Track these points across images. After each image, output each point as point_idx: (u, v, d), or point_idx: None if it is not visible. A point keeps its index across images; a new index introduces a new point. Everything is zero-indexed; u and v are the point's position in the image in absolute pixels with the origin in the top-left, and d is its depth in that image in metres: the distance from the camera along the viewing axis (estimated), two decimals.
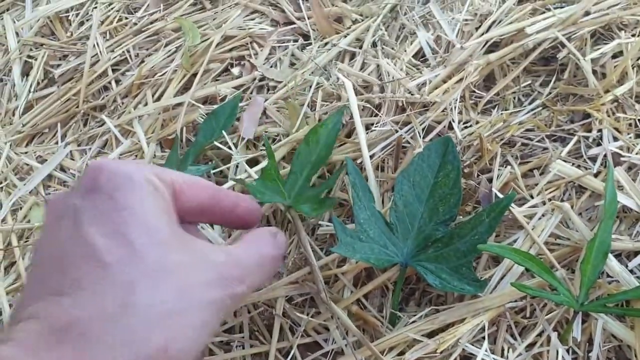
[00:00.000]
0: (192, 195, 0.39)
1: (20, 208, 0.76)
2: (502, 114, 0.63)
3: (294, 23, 0.85)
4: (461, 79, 0.63)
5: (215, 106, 0.76)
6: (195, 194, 0.40)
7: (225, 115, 0.73)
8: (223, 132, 0.71)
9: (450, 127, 0.63)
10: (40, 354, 0.27)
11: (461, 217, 0.59)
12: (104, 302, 0.29)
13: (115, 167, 0.34)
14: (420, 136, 0.61)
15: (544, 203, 0.57)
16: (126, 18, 0.87)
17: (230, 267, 0.37)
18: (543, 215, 0.57)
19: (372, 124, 0.65)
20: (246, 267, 0.38)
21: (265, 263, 0.41)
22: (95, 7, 0.87)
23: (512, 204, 0.57)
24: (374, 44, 0.75)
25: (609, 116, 0.61)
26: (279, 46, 0.83)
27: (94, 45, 0.82)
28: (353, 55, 0.77)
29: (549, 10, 0.67)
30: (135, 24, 0.85)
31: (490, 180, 0.60)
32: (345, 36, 0.78)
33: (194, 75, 0.81)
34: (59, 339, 0.27)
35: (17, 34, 0.89)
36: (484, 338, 0.53)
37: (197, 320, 0.33)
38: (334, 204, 0.64)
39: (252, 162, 0.71)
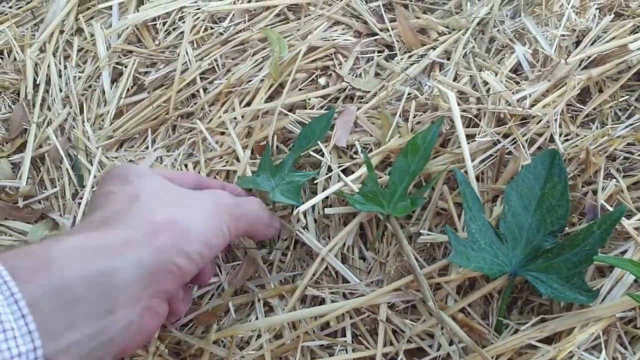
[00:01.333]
0: (180, 181, 0.53)
1: None
2: (604, 128, 0.63)
3: (376, 34, 0.86)
4: (562, 93, 0.64)
5: (302, 113, 0.78)
6: (182, 179, 0.54)
7: (320, 126, 0.75)
8: (318, 142, 0.72)
9: (551, 140, 0.64)
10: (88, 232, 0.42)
11: (567, 228, 0.60)
12: (115, 206, 0.44)
13: (129, 167, 0.50)
14: (524, 148, 0.63)
15: None
16: (212, 28, 0.89)
17: (223, 193, 0.55)
18: None
19: (471, 135, 0.66)
20: (244, 199, 0.59)
21: (263, 207, 0.62)
22: (182, 16, 0.89)
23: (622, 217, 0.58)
24: (465, 56, 0.76)
25: None
26: (362, 57, 0.84)
27: (184, 54, 0.85)
28: (441, 67, 0.79)
29: None
30: (221, 33, 0.88)
31: (595, 193, 0.61)
32: (434, 48, 0.79)
33: (280, 84, 0.83)
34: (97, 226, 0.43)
35: (106, 41, 0.91)
36: (594, 347, 0.54)
37: (197, 203, 0.48)
38: (424, 202, 0.66)
39: (346, 171, 0.72)
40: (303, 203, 0.67)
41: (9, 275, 0.35)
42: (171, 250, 0.43)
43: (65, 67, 0.91)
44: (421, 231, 0.65)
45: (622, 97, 0.68)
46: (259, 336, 0.65)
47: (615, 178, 0.61)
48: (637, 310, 0.55)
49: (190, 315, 0.68)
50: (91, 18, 0.95)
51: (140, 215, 0.43)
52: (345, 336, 0.63)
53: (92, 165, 0.81)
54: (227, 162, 0.77)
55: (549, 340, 0.56)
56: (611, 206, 0.60)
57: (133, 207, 0.43)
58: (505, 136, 0.66)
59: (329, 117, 0.75)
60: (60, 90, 0.89)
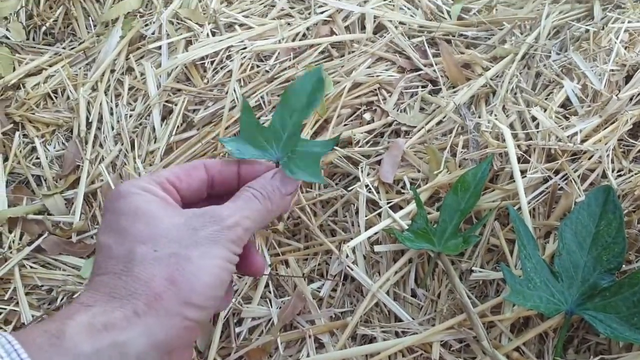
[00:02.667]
0: (189, 182, 0.50)
1: None
2: None
3: (420, 70, 0.87)
4: (614, 129, 0.64)
5: (349, 149, 0.79)
6: (192, 179, 0.50)
7: (310, 85, 0.57)
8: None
9: (604, 176, 0.64)
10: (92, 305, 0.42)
11: (624, 266, 0.59)
12: (115, 269, 0.43)
13: (117, 188, 0.47)
14: (576, 184, 0.62)
15: None
16: (258, 66, 0.91)
17: (216, 210, 0.46)
18: None
19: (522, 171, 0.66)
20: (233, 207, 0.47)
21: (255, 196, 0.49)
22: (230, 55, 0.91)
23: None
24: (511, 91, 0.76)
25: None
26: (406, 92, 0.85)
27: (232, 92, 0.87)
28: (487, 102, 0.79)
29: None
30: (267, 71, 0.90)
31: None
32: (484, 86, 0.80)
33: (325, 120, 0.84)
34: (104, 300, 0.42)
35: (156, 79, 0.94)
36: None
37: (194, 253, 0.43)
38: (476, 240, 0.65)
39: (394, 207, 0.73)
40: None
41: (25, 352, 0.37)
42: (179, 309, 0.43)
43: (116, 105, 0.94)
44: (473, 268, 0.65)
45: None
46: None
47: None
48: None
49: (240, 351, 0.68)
50: (141, 57, 0.98)
51: (140, 284, 0.42)
52: None
53: None
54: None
55: None
56: None
57: (131, 274, 0.43)
58: (556, 172, 0.65)
59: (319, 74, 0.57)
60: (112, 128, 0.92)
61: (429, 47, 0.89)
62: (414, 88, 0.86)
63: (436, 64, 0.87)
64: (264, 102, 0.88)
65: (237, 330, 0.70)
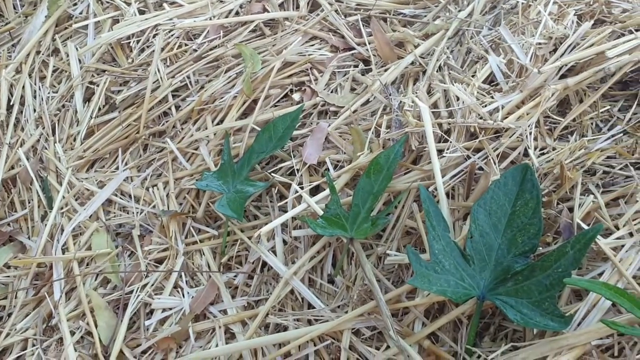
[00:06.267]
0: None
1: (81, 234, 0.76)
2: (580, 140, 0.59)
3: (354, 49, 0.83)
4: (537, 104, 0.60)
5: None
6: None
7: (284, 125, 0.72)
8: (292, 156, 0.70)
9: (526, 154, 0.61)
10: None
11: (540, 248, 0.56)
12: None
13: None
14: (495, 163, 0.59)
15: (631, 235, 0.54)
16: (186, 45, 0.87)
17: None
18: (631, 247, 0.53)
19: (441, 151, 0.63)
20: None
21: None
22: (157, 34, 0.87)
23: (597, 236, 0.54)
24: (440, 69, 0.73)
25: None
26: (339, 71, 0.82)
27: (155, 72, 0.83)
28: (416, 81, 0.75)
29: (630, 32, 0.64)
30: (195, 50, 0.86)
31: (571, 210, 0.57)
32: (412, 63, 0.76)
33: (254, 101, 0.80)
34: None
35: (79, 60, 0.90)
36: None
37: None
38: (387, 223, 0.62)
39: (315, 188, 0.69)
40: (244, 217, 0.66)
41: None
42: None
43: (40, 88, 0.89)
44: (388, 252, 0.61)
45: (604, 107, 0.64)
46: None
47: (593, 194, 0.57)
48: (615, 337, 0.51)
49: (149, 341, 0.65)
50: (68, 38, 0.94)
51: None
52: None
53: (61, 186, 0.79)
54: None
55: None
56: (589, 224, 0.56)
57: None
58: (478, 151, 0.62)
59: (295, 116, 0.72)
60: (34, 111, 0.87)
61: (364, 25, 0.86)
62: (346, 67, 0.82)
63: (370, 43, 0.83)
64: (190, 82, 0.84)
65: (148, 322, 0.66)
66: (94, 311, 0.68)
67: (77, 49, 0.90)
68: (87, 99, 0.87)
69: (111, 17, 0.92)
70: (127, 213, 0.77)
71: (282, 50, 0.84)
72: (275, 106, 0.80)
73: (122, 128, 0.82)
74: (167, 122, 0.81)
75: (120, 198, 0.78)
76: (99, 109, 0.84)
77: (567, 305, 0.54)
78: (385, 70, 0.78)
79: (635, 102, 0.63)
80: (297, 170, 0.71)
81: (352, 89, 0.79)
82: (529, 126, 0.60)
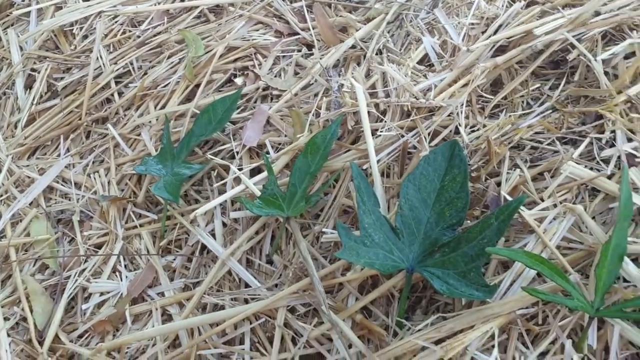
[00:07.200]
0: None
1: (21, 221, 0.74)
2: (510, 116, 0.61)
3: (298, 34, 0.84)
4: (467, 83, 0.61)
5: None
6: None
7: (224, 108, 0.72)
8: (231, 138, 0.70)
9: (457, 132, 0.62)
10: None
11: (469, 221, 0.57)
12: None
13: None
14: (426, 141, 0.60)
15: (555, 206, 0.55)
16: (130, 31, 0.86)
17: None
18: (555, 219, 0.54)
19: (377, 130, 0.64)
20: None
21: None
22: (100, 20, 0.86)
23: (522, 207, 0.55)
24: (380, 52, 0.74)
25: (622, 117, 0.58)
26: (283, 56, 0.82)
27: (97, 58, 0.82)
28: (358, 64, 0.76)
29: (558, 11, 0.65)
30: (138, 36, 0.85)
31: (498, 184, 0.58)
32: (354, 47, 0.77)
33: (197, 86, 0.80)
34: None
35: (20, 47, 0.88)
36: (493, 346, 0.51)
37: None
38: (318, 199, 0.63)
39: (255, 170, 0.69)
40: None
41: None
42: None
43: None
44: (324, 230, 0.62)
45: (535, 86, 0.65)
46: (155, 346, 0.61)
47: (520, 169, 0.58)
48: (540, 306, 0.52)
49: (86, 325, 0.64)
50: (10, 25, 0.93)
51: None
52: (243, 344, 0.60)
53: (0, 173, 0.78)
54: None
55: (448, 339, 0.52)
56: (516, 197, 0.57)
57: None
58: (411, 129, 0.63)
59: (234, 98, 0.73)
60: None
61: (308, 11, 0.86)
62: (290, 52, 0.82)
63: (314, 28, 0.83)
64: (133, 68, 0.83)
65: (85, 306, 0.66)
66: (30, 297, 0.67)
67: (18, 35, 0.89)
68: (28, 86, 0.86)
69: (54, 4, 0.91)
70: (69, 200, 0.76)
71: (225, 35, 0.84)
72: (219, 91, 0.80)
73: (63, 115, 0.81)
74: (109, 108, 0.81)
75: (62, 185, 0.77)
76: (41, 96, 0.83)
77: (494, 276, 0.55)
78: (327, 54, 0.78)
79: (564, 80, 0.64)
80: (237, 152, 0.71)
81: (296, 73, 0.80)
82: (460, 104, 0.61)
